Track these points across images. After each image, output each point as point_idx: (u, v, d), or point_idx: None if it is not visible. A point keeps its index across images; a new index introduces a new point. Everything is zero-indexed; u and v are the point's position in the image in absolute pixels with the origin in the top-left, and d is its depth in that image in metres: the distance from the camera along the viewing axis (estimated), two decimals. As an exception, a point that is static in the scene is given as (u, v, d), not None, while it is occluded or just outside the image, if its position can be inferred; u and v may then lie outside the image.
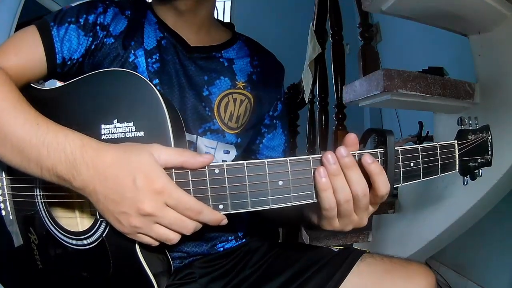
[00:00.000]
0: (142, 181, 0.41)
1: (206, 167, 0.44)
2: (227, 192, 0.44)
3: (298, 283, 0.60)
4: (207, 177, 0.44)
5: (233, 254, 0.69)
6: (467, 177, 0.54)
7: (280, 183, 0.44)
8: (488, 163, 0.54)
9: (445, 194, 1.15)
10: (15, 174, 0.55)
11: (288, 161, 0.44)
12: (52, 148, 0.43)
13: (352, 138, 0.46)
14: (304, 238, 1.38)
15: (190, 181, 0.44)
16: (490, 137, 0.54)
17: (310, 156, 0.45)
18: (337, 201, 0.44)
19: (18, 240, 0.57)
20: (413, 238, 1.28)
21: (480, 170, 0.54)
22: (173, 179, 0.44)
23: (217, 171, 0.44)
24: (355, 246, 1.42)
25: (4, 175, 0.57)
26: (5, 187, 0.57)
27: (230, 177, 0.44)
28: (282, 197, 0.45)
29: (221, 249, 0.69)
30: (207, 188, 0.44)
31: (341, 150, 0.43)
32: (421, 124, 1.31)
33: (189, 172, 0.44)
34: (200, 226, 0.45)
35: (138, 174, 0.41)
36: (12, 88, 0.50)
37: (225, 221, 0.45)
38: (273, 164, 0.44)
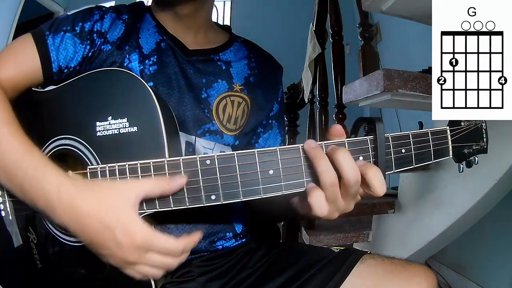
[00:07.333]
0: (122, 236, 0.42)
1: (198, 157, 0.45)
2: (219, 183, 0.45)
3: (298, 283, 0.60)
4: (199, 167, 0.45)
5: (232, 253, 0.69)
6: (462, 164, 0.54)
7: (271, 172, 0.45)
8: (484, 150, 0.54)
9: (445, 194, 1.15)
10: None
11: (278, 150, 0.45)
12: (33, 184, 0.44)
13: (337, 128, 0.46)
14: (304, 238, 1.38)
15: (182, 173, 0.45)
16: (484, 124, 0.54)
17: (300, 145, 0.45)
18: (323, 184, 0.43)
19: (17, 240, 0.56)
20: (413, 238, 1.28)
21: (476, 158, 0.54)
22: (166, 174, 0.44)
23: (208, 161, 0.45)
24: (355, 246, 1.42)
25: None
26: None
27: (221, 167, 0.45)
28: (273, 186, 0.45)
29: (220, 247, 0.69)
30: (199, 179, 0.45)
31: (311, 142, 0.44)
32: (421, 124, 1.31)
33: (181, 163, 0.45)
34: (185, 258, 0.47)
35: (116, 228, 0.42)
36: (4, 105, 0.50)
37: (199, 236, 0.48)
38: (263, 153, 0.45)
